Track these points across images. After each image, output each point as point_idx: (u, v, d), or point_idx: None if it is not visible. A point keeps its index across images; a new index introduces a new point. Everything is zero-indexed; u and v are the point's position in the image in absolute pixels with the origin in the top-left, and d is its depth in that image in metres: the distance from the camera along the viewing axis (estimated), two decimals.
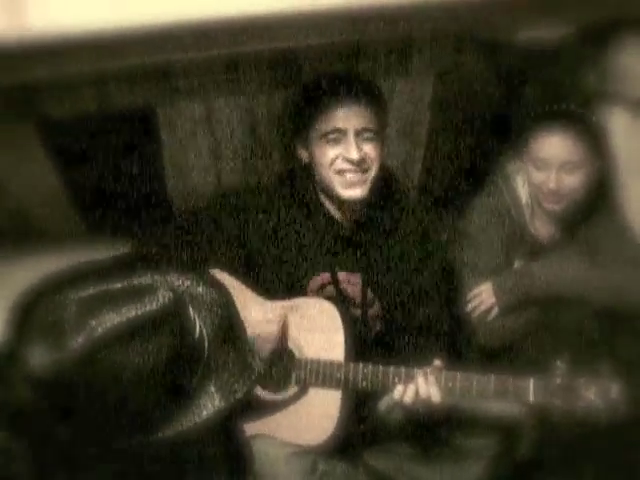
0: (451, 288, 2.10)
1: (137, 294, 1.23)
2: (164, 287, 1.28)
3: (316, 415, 1.81)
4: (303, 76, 1.96)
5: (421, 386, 1.71)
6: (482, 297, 2.10)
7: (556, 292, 2.05)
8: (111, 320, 1.17)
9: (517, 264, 2.18)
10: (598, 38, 1.91)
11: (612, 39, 1.91)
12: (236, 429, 1.80)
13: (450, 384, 1.71)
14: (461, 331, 2.11)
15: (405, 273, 1.98)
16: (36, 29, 1.36)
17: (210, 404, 1.27)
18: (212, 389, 1.28)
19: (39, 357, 1.16)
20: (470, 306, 2.11)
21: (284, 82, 1.97)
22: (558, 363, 1.65)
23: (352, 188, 1.86)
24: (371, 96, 1.88)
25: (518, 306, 2.09)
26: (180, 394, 1.25)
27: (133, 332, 1.18)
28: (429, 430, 1.87)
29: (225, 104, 2.01)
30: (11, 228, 2.02)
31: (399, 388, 1.73)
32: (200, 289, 1.41)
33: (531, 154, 2.05)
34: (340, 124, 1.83)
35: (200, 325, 1.33)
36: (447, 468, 1.88)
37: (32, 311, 1.22)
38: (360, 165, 1.83)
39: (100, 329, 1.16)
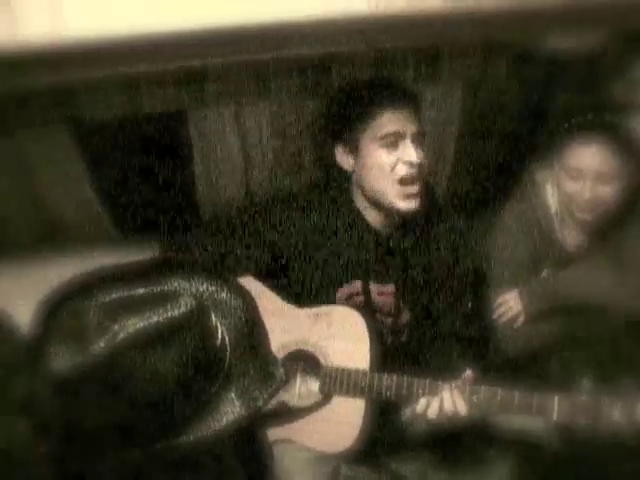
0: (480, 296, 2.09)
1: (160, 300, 1.23)
2: (187, 294, 1.28)
3: (340, 423, 1.81)
4: (332, 82, 1.96)
5: (446, 400, 1.70)
6: (509, 304, 2.10)
7: (584, 301, 2.04)
8: (133, 325, 1.17)
9: (545, 273, 2.16)
10: (629, 47, 1.90)
11: None
12: (258, 434, 1.81)
13: (474, 398, 1.70)
14: (489, 339, 2.10)
15: (437, 283, 1.98)
16: (71, 33, 1.39)
17: (231, 411, 1.26)
18: (233, 396, 1.27)
19: (60, 361, 1.17)
20: (497, 313, 2.10)
21: (314, 88, 1.97)
22: (584, 381, 1.65)
23: (410, 199, 1.85)
24: (414, 100, 1.89)
25: (545, 314, 2.09)
26: (201, 400, 1.25)
27: (155, 338, 1.18)
28: (451, 439, 1.86)
29: (255, 109, 2.00)
30: (44, 231, 2.05)
31: (423, 401, 1.72)
32: (224, 295, 1.41)
33: (565, 164, 2.04)
34: (398, 127, 1.82)
35: (222, 332, 1.33)
36: (469, 476, 1.88)
37: (56, 314, 1.23)
38: (420, 169, 1.83)
39: (122, 334, 1.16)
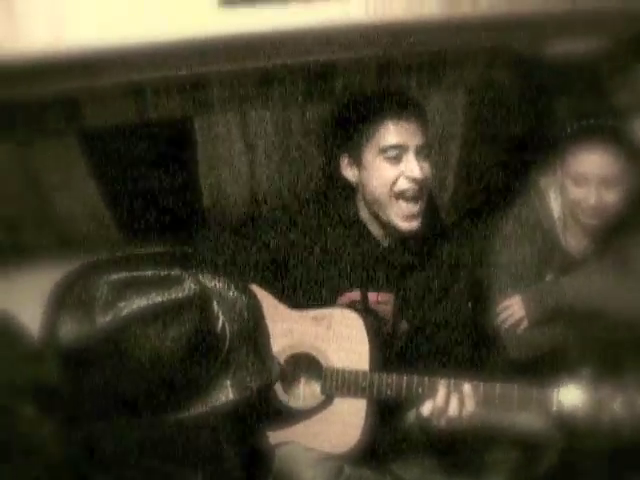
0: (481, 303, 2.10)
1: (165, 282, 1.33)
2: (192, 280, 1.36)
3: (342, 424, 1.82)
4: (336, 90, 1.98)
5: (444, 397, 1.71)
6: (512, 309, 2.10)
7: (587, 306, 2.04)
8: (137, 303, 1.27)
9: (548, 278, 2.17)
10: (630, 52, 1.91)
11: None
12: (259, 437, 1.83)
13: (473, 394, 1.71)
14: (490, 344, 2.11)
15: (436, 293, 1.99)
16: (76, 42, 1.42)
17: (224, 397, 1.33)
18: (227, 383, 1.34)
19: (68, 330, 1.27)
20: (500, 318, 2.11)
21: (318, 95, 1.99)
22: (584, 372, 1.65)
23: (411, 220, 1.86)
24: (420, 112, 1.89)
25: (548, 319, 2.09)
26: (197, 381, 1.32)
27: (156, 316, 1.28)
28: (452, 442, 1.87)
29: (260, 116, 2.03)
30: (51, 236, 2.08)
31: (428, 405, 1.73)
32: (230, 291, 1.47)
33: (569, 170, 2.05)
34: (401, 140, 1.82)
35: (223, 321, 1.39)
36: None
37: (69, 289, 1.33)
38: (422, 185, 1.83)
39: (126, 310, 1.26)
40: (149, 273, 1.35)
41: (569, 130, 2.07)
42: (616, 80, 2.03)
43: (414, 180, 1.82)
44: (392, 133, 1.82)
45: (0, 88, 1.53)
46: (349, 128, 1.91)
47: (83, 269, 1.38)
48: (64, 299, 1.32)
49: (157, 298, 1.28)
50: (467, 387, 1.71)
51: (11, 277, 1.97)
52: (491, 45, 1.91)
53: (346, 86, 1.95)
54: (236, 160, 2.11)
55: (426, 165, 1.85)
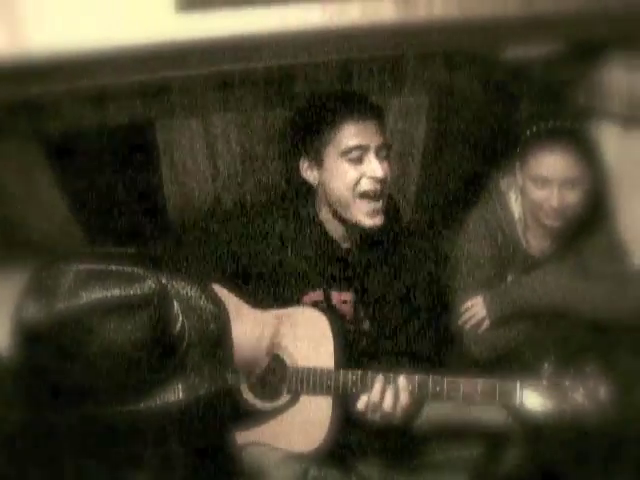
0: (442, 303, 2.12)
1: (126, 278, 1.37)
2: (152, 279, 1.40)
3: (308, 422, 1.83)
4: (297, 94, 2.00)
5: (402, 389, 1.72)
6: (473, 310, 2.13)
7: (547, 305, 2.08)
8: (97, 294, 1.32)
9: (510, 278, 2.20)
10: (586, 55, 1.94)
11: (600, 56, 1.94)
12: (227, 438, 1.84)
13: (437, 388, 1.71)
14: (452, 344, 2.13)
15: (397, 293, 2.00)
16: (36, 47, 1.42)
17: (172, 396, 1.37)
18: (178, 384, 1.38)
19: (30, 311, 1.33)
20: (462, 319, 2.14)
21: (278, 99, 2.01)
22: (545, 365, 1.66)
23: (374, 216, 1.87)
24: (379, 113, 1.90)
25: (509, 319, 2.12)
26: (146, 378, 1.34)
27: (113, 310, 1.32)
28: (414, 439, 1.89)
29: (222, 120, 2.04)
30: (12, 241, 2.07)
31: (376, 390, 1.73)
32: (196, 298, 1.50)
33: (530, 172, 2.06)
34: (361, 140, 1.82)
35: (183, 324, 1.42)
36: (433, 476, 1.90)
37: (37, 273, 1.39)
38: (383, 184, 1.84)
39: (85, 300, 1.31)
40: (113, 268, 1.39)
41: (529, 133, 2.09)
42: (574, 83, 2.06)
43: (376, 179, 1.83)
44: (352, 135, 1.83)
45: None
46: (308, 131, 1.91)
47: (53, 257, 1.43)
48: (32, 283, 1.38)
49: (116, 292, 1.33)
50: (402, 380, 1.72)
51: None
52: (450, 48, 1.93)
53: (307, 90, 1.98)
54: (199, 164, 2.12)
55: (386, 164, 1.87)
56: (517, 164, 2.11)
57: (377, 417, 1.74)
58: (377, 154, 1.84)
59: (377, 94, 2.02)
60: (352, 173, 1.84)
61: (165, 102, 1.92)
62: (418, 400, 1.75)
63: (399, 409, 1.72)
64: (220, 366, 1.46)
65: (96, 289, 1.32)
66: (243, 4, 1.45)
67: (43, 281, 1.37)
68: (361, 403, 1.74)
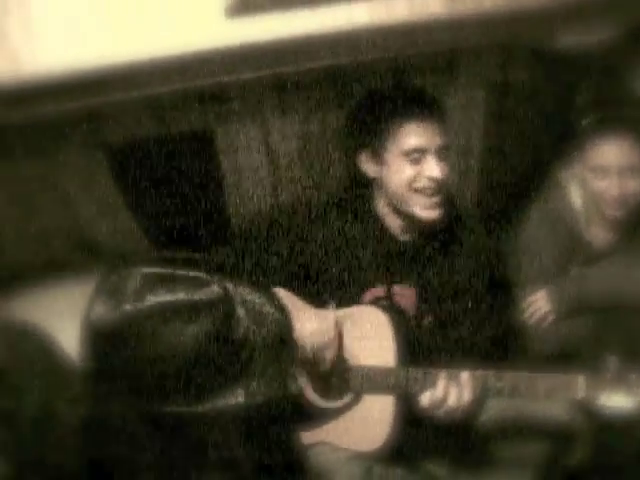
0: (505, 297, 2.09)
1: (191, 283, 1.44)
2: (217, 285, 1.43)
3: (371, 421, 1.83)
4: (352, 94, 2.01)
5: (441, 389, 1.72)
6: (538, 304, 2.10)
7: (612, 298, 2.04)
8: (163, 297, 1.39)
9: (573, 271, 2.16)
10: None
11: None
12: (292, 439, 1.86)
13: (500, 384, 1.71)
14: (515, 339, 2.10)
15: (459, 287, 1.99)
16: (94, 58, 1.47)
17: (233, 400, 1.38)
18: (240, 388, 1.39)
19: (98, 312, 1.40)
20: (526, 313, 2.11)
21: (335, 100, 2.02)
22: (611, 359, 1.62)
23: (431, 209, 1.88)
24: (441, 113, 1.91)
25: (574, 313, 2.09)
26: (208, 380, 1.37)
27: (177, 313, 1.39)
28: (479, 438, 1.88)
29: (279, 123, 2.07)
30: (83, 251, 2.13)
31: (440, 387, 1.72)
32: (261, 305, 1.53)
33: (589, 162, 2.04)
34: (422, 142, 1.84)
35: (247, 330, 1.44)
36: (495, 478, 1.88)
37: (107, 276, 1.47)
38: (440, 182, 1.85)
39: (151, 302, 1.39)
40: (179, 272, 1.46)
41: (586, 122, 2.06)
42: (630, 69, 2.01)
43: (434, 179, 1.85)
44: (414, 135, 1.85)
45: (24, 106, 1.59)
46: (369, 125, 1.92)
47: (121, 261, 1.52)
48: (100, 285, 1.46)
49: (181, 296, 1.40)
50: (464, 375, 1.72)
51: (44, 292, 2.02)
52: (504, 41, 1.92)
53: (362, 91, 1.99)
54: (258, 167, 2.15)
55: (444, 164, 1.87)
56: (576, 155, 2.08)
57: (441, 414, 1.73)
58: (436, 155, 1.85)
59: (432, 92, 2.00)
60: (410, 171, 1.86)
61: (223, 108, 1.95)
62: (481, 396, 1.74)
63: (463, 405, 1.71)
64: (282, 372, 1.48)
65: (162, 292, 1.39)
66: (291, 6, 1.48)
67: (111, 284, 1.44)
68: (425, 399, 1.73)
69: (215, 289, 1.42)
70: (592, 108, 2.08)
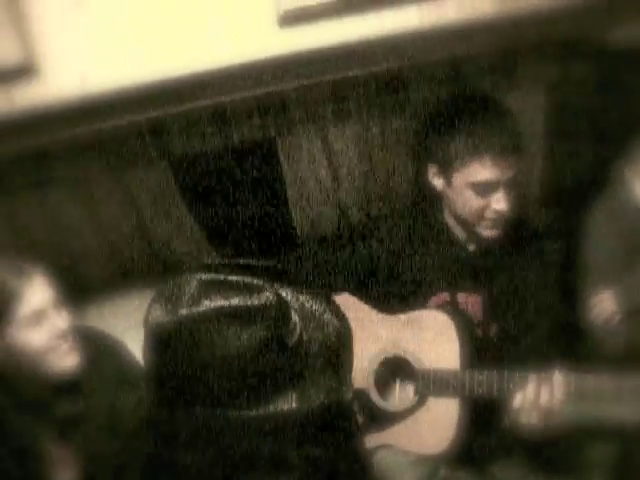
0: (572, 302, 2.07)
1: (246, 289, 1.48)
2: (271, 291, 1.46)
3: (436, 424, 1.84)
4: (410, 99, 2.01)
5: (536, 391, 1.70)
6: (603, 305, 2.06)
7: None
8: (218, 303, 1.44)
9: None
10: None
11: None
12: (357, 441, 1.86)
13: (580, 387, 1.69)
14: (584, 341, 2.07)
15: (525, 295, 1.98)
16: (153, 72, 1.53)
17: (286, 405, 1.41)
18: (293, 393, 1.42)
19: (156, 315, 1.46)
20: (592, 314, 2.07)
21: (393, 106, 2.03)
22: None
23: (494, 229, 1.89)
24: (518, 145, 1.84)
25: None
26: (261, 385, 1.39)
27: (231, 318, 1.44)
28: (549, 442, 1.85)
29: (339, 130, 2.09)
30: (152, 261, 2.20)
31: (516, 399, 1.72)
32: (319, 312, 1.57)
33: None
34: (493, 176, 1.80)
35: (301, 335, 1.47)
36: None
37: (165, 282, 1.54)
38: (507, 214, 1.85)
39: (206, 307, 1.43)
40: (234, 278, 1.51)
41: None
42: None
43: (500, 212, 1.84)
44: (487, 169, 1.80)
45: (92, 120, 1.66)
46: (442, 145, 1.88)
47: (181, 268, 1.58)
48: (160, 290, 1.52)
49: (235, 301, 1.43)
50: (557, 376, 1.70)
51: (114, 302, 2.09)
52: (561, 38, 1.90)
53: (420, 96, 1.99)
54: (320, 175, 2.17)
55: (513, 194, 1.85)
56: (638, 150, 2.04)
57: (533, 418, 1.71)
58: (506, 188, 1.82)
59: (491, 93, 2.00)
60: (477, 202, 1.85)
61: (283, 117, 1.98)
62: (564, 401, 1.70)
63: (555, 406, 1.69)
64: (337, 379, 1.51)
65: (217, 298, 1.44)
66: (341, 13, 1.50)
67: (169, 289, 1.50)
68: (517, 401, 1.72)
69: (268, 295, 1.46)
70: None
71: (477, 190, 1.83)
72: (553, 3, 1.56)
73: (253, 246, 2.22)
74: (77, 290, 1.64)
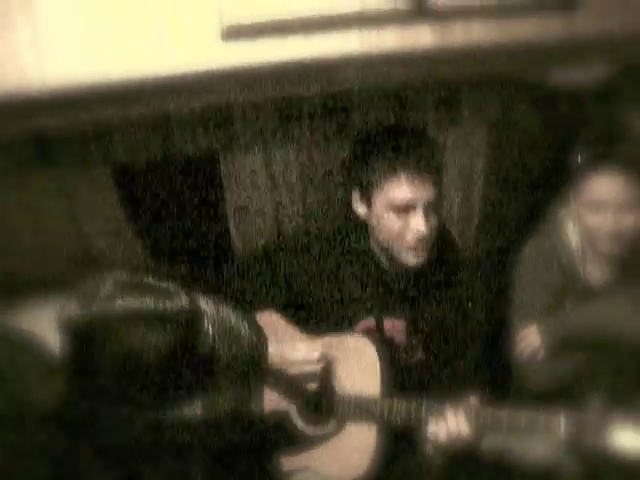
0: (499, 333, 2.10)
1: (159, 293, 1.48)
2: (185, 298, 1.48)
3: (353, 450, 1.84)
4: (352, 125, 2.03)
5: (451, 421, 1.72)
6: (529, 339, 2.09)
7: (605, 336, 2.02)
8: (130, 304, 1.44)
9: (568, 308, 2.15)
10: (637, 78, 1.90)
11: None
12: (274, 463, 1.87)
13: (481, 419, 1.71)
14: (508, 375, 2.10)
15: (451, 322, 1.99)
16: (101, 75, 1.52)
17: (190, 412, 1.42)
18: (199, 401, 1.43)
19: (70, 309, 1.46)
20: (517, 348, 2.10)
21: (333, 130, 2.05)
22: (594, 397, 1.62)
23: (417, 256, 1.88)
24: (436, 165, 1.87)
25: (565, 349, 2.07)
26: (169, 389, 1.40)
27: (142, 320, 1.44)
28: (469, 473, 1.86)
29: (282, 150, 2.11)
30: (81, 261, 2.18)
31: (432, 427, 1.74)
32: (234, 322, 1.57)
33: (583, 198, 2.03)
34: (411, 195, 1.80)
35: (214, 344, 1.48)
36: None
37: (84, 279, 1.53)
38: (427, 236, 1.84)
39: (118, 308, 1.43)
40: (150, 282, 1.51)
41: (581, 158, 2.06)
42: (623, 106, 2.02)
43: (420, 233, 1.83)
44: (404, 188, 1.81)
45: (33, 120, 1.64)
46: (362, 168, 1.90)
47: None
48: (78, 286, 1.52)
49: (147, 303, 1.45)
50: (471, 407, 1.73)
51: (41, 304, 2.06)
52: (506, 77, 1.94)
53: (362, 122, 2.01)
54: (260, 192, 2.19)
55: (433, 216, 1.85)
56: (571, 191, 2.08)
57: (446, 443, 1.73)
58: (425, 209, 1.82)
59: (434, 127, 2.03)
60: (397, 223, 1.84)
61: (226, 131, 1.99)
62: (478, 431, 1.73)
63: (467, 437, 1.71)
64: (246, 391, 1.51)
65: (130, 298, 1.43)
66: (285, 32, 1.51)
67: (86, 286, 1.50)
68: (431, 430, 1.74)
69: (182, 302, 1.47)
70: (587, 144, 2.07)
71: (395, 211, 1.82)
72: (490, 40, 1.58)
73: (188, 257, 2.21)
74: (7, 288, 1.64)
